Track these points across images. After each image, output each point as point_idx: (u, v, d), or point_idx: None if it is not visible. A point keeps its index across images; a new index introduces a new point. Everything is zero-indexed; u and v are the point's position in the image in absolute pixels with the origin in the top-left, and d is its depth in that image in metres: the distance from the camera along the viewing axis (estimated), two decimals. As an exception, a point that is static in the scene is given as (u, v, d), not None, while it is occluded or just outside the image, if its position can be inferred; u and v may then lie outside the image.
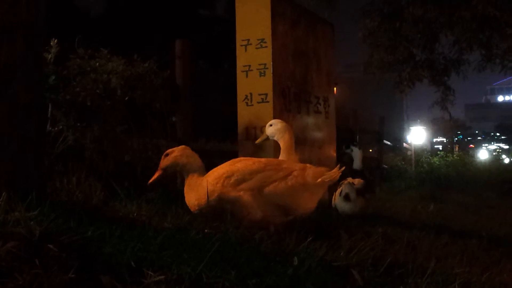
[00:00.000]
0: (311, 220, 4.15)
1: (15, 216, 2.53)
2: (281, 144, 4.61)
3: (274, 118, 5.73)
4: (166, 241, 2.71)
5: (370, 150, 17.33)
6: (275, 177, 3.70)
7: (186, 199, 3.85)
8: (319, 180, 3.72)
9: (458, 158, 22.32)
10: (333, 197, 5.59)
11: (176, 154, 3.91)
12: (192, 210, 3.76)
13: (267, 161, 3.88)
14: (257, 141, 5.07)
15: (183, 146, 4.03)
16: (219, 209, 3.65)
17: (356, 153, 6.21)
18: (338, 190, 5.47)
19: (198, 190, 3.76)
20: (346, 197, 5.33)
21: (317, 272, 2.81)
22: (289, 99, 6.19)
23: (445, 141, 52.13)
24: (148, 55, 5.58)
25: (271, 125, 4.72)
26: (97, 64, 5.00)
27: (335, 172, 3.77)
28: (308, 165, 3.91)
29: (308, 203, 3.81)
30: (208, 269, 2.44)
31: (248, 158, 3.98)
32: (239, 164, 3.81)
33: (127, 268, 2.34)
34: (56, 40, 4.71)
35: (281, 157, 4.58)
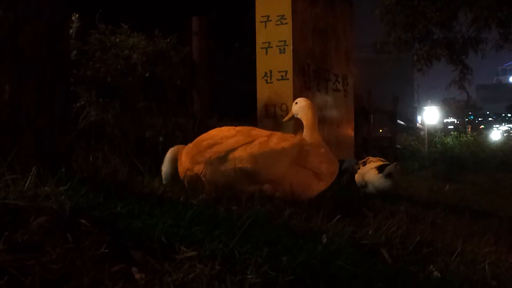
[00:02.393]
0: (335, 199, 4.14)
1: (45, 190, 2.51)
2: (304, 122, 4.56)
3: (294, 95, 5.71)
4: (195, 217, 2.69)
5: (380, 130, 17.28)
6: (242, 143, 3.72)
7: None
8: (280, 146, 3.69)
9: (472, 138, 22.22)
10: (356, 174, 5.62)
11: None
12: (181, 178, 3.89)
13: (240, 128, 3.90)
14: (284, 119, 5.03)
15: None
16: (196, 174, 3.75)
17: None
18: (370, 167, 5.48)
19: (180, 159, 3.97)
20: (389, 176, 5.36)
21: (346, 250, 2.79)
22: (309, 77, 6.14)
23: (456, 121, 51.92)
24: (161, 31, 5.54)
25: (296, 103, 4.67)
26: (118, 39, 4.96)
27: (297, 139, 3.76)
28: (277, 132, 3.90)
29: (272, 169, 3.73)
30: (240, 246, 2.42)
31: (225, 127, 4.02)
32: (213, 131, 3.93)
33: (158, 244, 2.32)
34: (77, 15, 4.67)
35: (304, 136, 4.54)
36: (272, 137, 3.75)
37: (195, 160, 3.79)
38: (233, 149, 3.69)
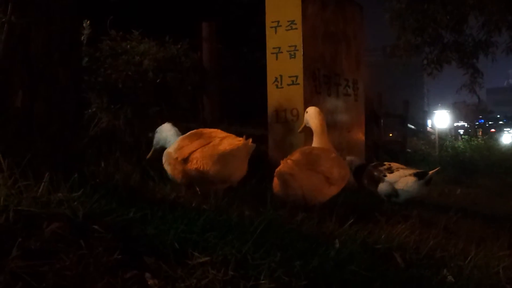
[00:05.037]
0: (347, 203, 4.12)
1: (58, 197, 2.52)
2: (313, 129, 4.58)
3: (305, 100, 5.71)
4: (208, 222, 2.69)
5: (390, 135, 17.22)
6: (201, 145, 3.77)
7: None
8: (228, 148, 3.68)
9: (482, 142, 22.07)
10: (382, 183, 5.30)
11: None
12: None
13: (208, 131, 3.96)
14: (299, 131, 5.04)
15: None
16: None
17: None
18: (403, 174, 5.22)
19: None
20: (428, 182, 5.19)
21: (359, 254, 2.78)
22: (319, 82, 6.12)
23: (466, 125, 51.73)
24: (172, 37, 5.55)
25: (307, 113, 4.69)
26: (129, 46, 4.98)
27: (241, 142, 3.69)
28: (231, 135, 3.86)
29: (223, 170, 3.72)
30: (253, 251, 2.41)
31: (202, 129, 4.08)
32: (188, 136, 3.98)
33: (171, 249, 2.32)
34: (88, 22, 4.69)
35: (314, 142, 4.54)
36: (224, 140, 3.76)
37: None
38: (195, 150, 3.76)
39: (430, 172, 5.17)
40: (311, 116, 4.62)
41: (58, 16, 3.04)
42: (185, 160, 3.74)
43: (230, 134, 3.84)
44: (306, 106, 5.49)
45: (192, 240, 2.44)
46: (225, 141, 3.73)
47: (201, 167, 3.67)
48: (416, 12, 12.77)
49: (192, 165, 3.70)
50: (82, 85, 4.21)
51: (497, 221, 5.51)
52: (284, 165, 3.95)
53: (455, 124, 52.67)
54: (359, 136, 7.18)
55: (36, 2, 2.93)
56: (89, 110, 4.61)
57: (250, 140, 3.73)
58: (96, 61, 4.81)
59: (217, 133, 3.88)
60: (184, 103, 5.34)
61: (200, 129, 4.08)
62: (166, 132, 4.21)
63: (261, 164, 5.33)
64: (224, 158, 3.67)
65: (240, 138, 3.73)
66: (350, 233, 3.11)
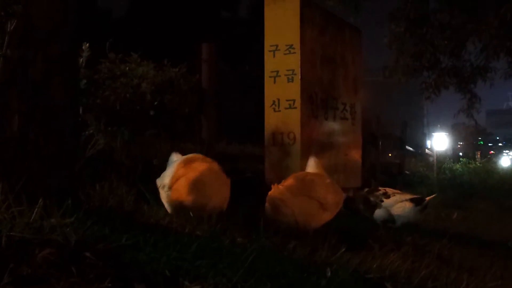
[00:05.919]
0: (342, 230, 4.13)
1: (51, 222, 2.53)
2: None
3: (301, 124, 5.75)
4: (200, 249, 2.69)
5: (390, 154, 17.19)
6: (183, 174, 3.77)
7: None
8: (201, 177, 3.70)
9: (481, 165, 22.01)
10: (378, 208, 5.26)
11: None
12: None
13: (194, 158, 3.95)
14: None
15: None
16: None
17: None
18: (399, 199, 5.18)
19: None
20: (425, 207, 5.18)
21: (350, 284, 2.78)
22: (317, 105, 6.16)
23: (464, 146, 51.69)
24: (171, 58, 5.59)
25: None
26: (127, 68, 5.02)
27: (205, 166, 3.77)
28: (214, 164, 3.90)
29: (207, 198, 3.72)
30: (243, 280, 2.42)
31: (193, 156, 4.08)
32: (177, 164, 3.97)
33: (162, 277, 2.33)
34: (87, 44, 4.73)
35: (307, 167, 4.55)
36: (206, 170, 3.78)
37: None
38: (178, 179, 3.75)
39: (427, 199, 5.17)
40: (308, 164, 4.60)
41: (57, 40, 3.07)
42: (170, 189, 3.74)
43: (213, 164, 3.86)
44: (303, 129, 5.54)
45: (184, 268, 2.45)
46: (207, 171, 3.76)
47: (179, 197, 3.67)
48: (415, 36, 12.83)
49: (174, 195, 3.70)
50: (79, 110, 4.24)
51: (492, 248, 5.50)
52: (275, 190, 3.95)
53: (458, 145, 52.48)
54: (356, 159, 7.21)
55: (35, 30, 2.96)
56: (86, 132, 4.63)
57: (216, 163, 3.74)
58: (95, 83, 4.84)
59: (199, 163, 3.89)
60: (181, 124, 5.37)
61: (192, 155, 4.06)
62: (172, 160, 4.26)
63: (259, 184, 5.35)
64: (194, 185, 3.67)
65: (206, 164, 3.75)
66: (342, 262, 3.11)
